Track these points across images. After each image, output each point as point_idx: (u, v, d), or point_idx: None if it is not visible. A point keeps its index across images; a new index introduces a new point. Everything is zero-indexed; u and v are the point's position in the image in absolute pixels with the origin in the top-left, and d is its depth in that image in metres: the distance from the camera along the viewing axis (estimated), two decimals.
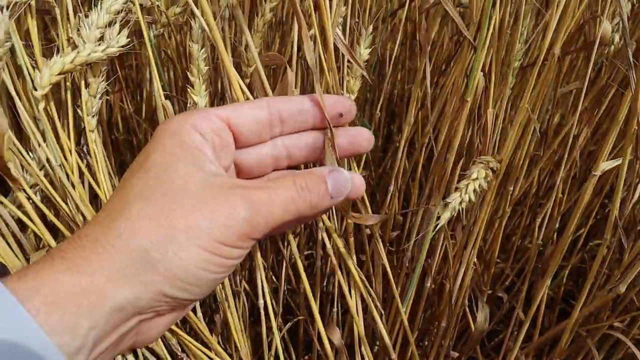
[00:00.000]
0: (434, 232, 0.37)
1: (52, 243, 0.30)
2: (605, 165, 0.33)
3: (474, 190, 0.30)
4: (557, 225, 0.58)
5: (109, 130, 0.62)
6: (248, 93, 0.33)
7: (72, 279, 0.21)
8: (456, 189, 0.30)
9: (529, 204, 0.57)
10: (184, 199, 0.23)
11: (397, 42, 0.57)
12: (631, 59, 0.31)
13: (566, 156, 0.43)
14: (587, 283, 0.34)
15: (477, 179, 0.30)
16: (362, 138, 0.30)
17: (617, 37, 0.46)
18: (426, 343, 0.58)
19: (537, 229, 0.54)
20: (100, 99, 0.34)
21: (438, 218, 0.31)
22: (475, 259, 0.49)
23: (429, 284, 0.45)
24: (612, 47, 0.46)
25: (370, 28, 0.39)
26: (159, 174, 0.24)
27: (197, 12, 0.34)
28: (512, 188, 0.44)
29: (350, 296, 0.41)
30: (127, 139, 0.65)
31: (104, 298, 0.21)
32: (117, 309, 0.22)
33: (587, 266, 0.66)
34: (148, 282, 0.22)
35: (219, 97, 0.45)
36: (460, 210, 0.30)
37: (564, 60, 0.46)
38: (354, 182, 0.28)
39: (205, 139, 0.26)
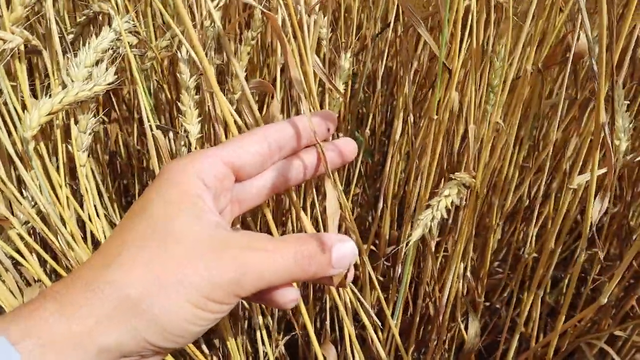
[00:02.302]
0: (421, 246, 0.38)
1: (44, 278, 0.31)
2: (580, 178, 0.34)
3: (446, 207, 0.31)
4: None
5: (110, 156, 0.64)
6: (238, 118, 0.34)
7: (62, 321, 0.22)
8: (428, 206, 0.31)
9: (521, 215, 0.57)
10: (178, 251, 0.24)
11: (384, 58, 0.58)
12: (596, 71, 0.31)
13: (547, 167, 0.43)
14: (568, 292, 0.35)
15: (449, 195, 0.31)
16: (348, 149, 0.32)
17: (597, 49, 0.46)
18: (422, 356, 0.58)
19: (530, 239, 0.55)
20: (90, 134, 0.35)
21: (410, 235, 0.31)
22: (469, 274, 0.50)
23: (420, 299, 0.46)
24: (594, 59, 0.47)
25: (349, 54, 0.40)
26: (157, 223, 0.24)
27: (186, 43, 0.36)
28: (497, 200, 0.44)
29: (342, 302, 0.40)
30: (129, 163, 0.67)
31: (91, 341, 0.22)
32: (104, 350, 0.23)
33: (587, 276, 0.66)
34: (133, 330, 0.23)
35: (206, 120, 0.46)
36: (432, 226, 0.31)
37: (545, 73, 0.47)
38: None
39: (207, 186, 0.26)
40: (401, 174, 0.57)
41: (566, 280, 0.65)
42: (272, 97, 0.38)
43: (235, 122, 0.34)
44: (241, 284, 0.24)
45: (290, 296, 0.27)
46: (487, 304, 0.63)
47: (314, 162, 0.32)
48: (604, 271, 0.63)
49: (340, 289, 0.41)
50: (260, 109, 0.54)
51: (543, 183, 0.43)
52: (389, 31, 0.55)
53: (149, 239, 0.24)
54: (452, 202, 0.31)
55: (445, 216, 0.31)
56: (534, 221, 0.49)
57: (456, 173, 0.33)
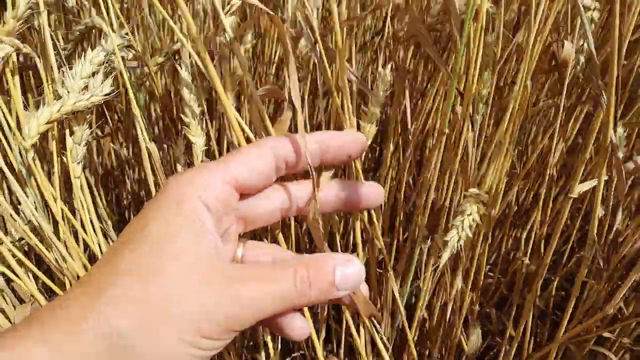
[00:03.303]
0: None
1: (37, 294, 0.30)
2: (581, 187, 0.34)
3: (470, 226, 0.30)
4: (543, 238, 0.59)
5: (104, 169, 0.63)
6: (248, 131, 0.30)
7: (44, 353, 0.21)
8: (452, 226, 0.30)
9: (510, 220, 0.58)
10: (173, 282, 0.23)
11: (379, 65, 0.58)
12: (599, 83, 0.32)
13: (532, 173, 0.44)
14: (569, 303, 0.35)
15: (470, 214, 0.30)
16: (374, 195, 0.29)
17: (582, 58, 0.47)
18: None
19: (522, 243, 0.55)
20: (85, 146, 0.34)
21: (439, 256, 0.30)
22: (462, 282, 0.50)
23: (419, 312, 0.45)
24: (578, 67, 0.48)
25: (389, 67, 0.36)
26: (153, 247, 0.23)
27: (193, 52, 0.33)
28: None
29: (359, 334, 0.36)
30: (122, 174, 0.65)
31: None
32: None
33: (575, 277, 0.67)
34: None
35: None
36: (460, 247, 0.30)
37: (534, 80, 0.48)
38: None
39: (208, 208, 0.25)
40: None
41: (555, 283, 0.66)
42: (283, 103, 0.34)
43: (245, 134, 0.30)
44: (239, 318, 0.23)
45: (298, 325, 0.26)
46: (479, 308, 0.63)
47: (330, 198, 0.29)
48: (595, 274, 0.64)
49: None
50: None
51: (531, 188, 0.44)
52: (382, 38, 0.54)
53: (143, 269, 0.23)
54: (474, 220, 0.30)
55: (470, 235, 0.30)
56: (527, 224, 0.49)
57: (470, 189, 0.32)
